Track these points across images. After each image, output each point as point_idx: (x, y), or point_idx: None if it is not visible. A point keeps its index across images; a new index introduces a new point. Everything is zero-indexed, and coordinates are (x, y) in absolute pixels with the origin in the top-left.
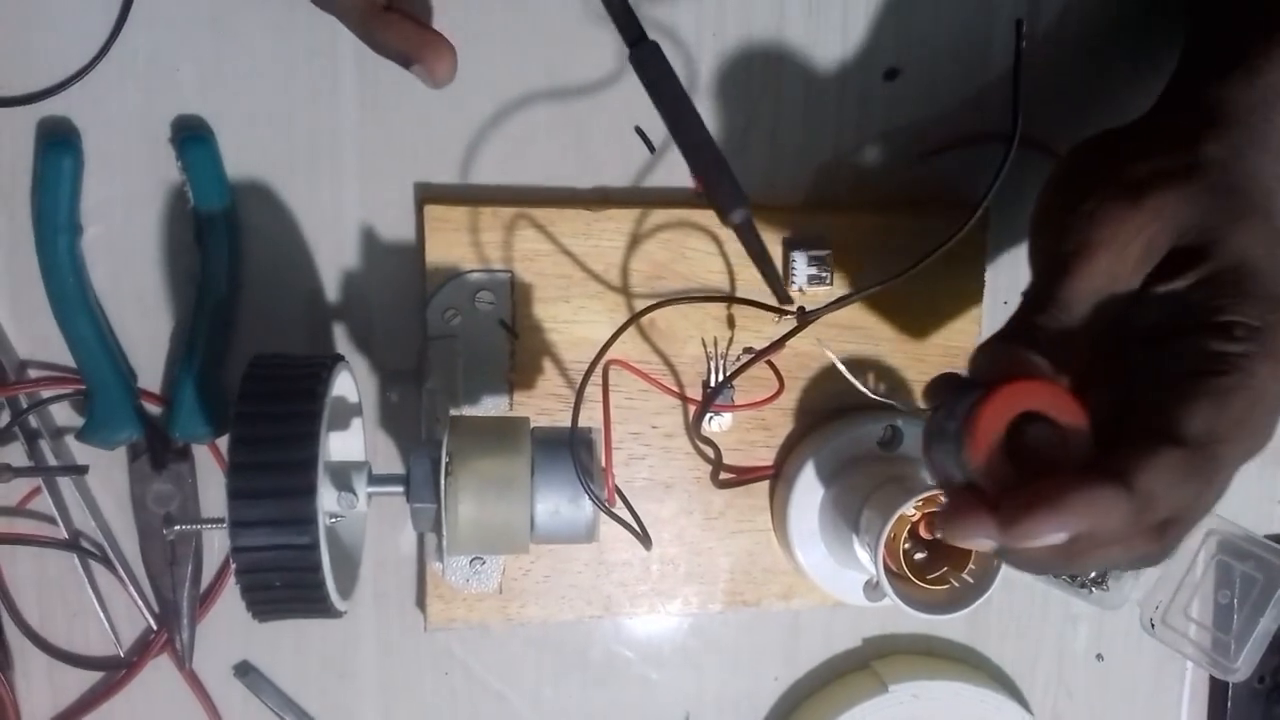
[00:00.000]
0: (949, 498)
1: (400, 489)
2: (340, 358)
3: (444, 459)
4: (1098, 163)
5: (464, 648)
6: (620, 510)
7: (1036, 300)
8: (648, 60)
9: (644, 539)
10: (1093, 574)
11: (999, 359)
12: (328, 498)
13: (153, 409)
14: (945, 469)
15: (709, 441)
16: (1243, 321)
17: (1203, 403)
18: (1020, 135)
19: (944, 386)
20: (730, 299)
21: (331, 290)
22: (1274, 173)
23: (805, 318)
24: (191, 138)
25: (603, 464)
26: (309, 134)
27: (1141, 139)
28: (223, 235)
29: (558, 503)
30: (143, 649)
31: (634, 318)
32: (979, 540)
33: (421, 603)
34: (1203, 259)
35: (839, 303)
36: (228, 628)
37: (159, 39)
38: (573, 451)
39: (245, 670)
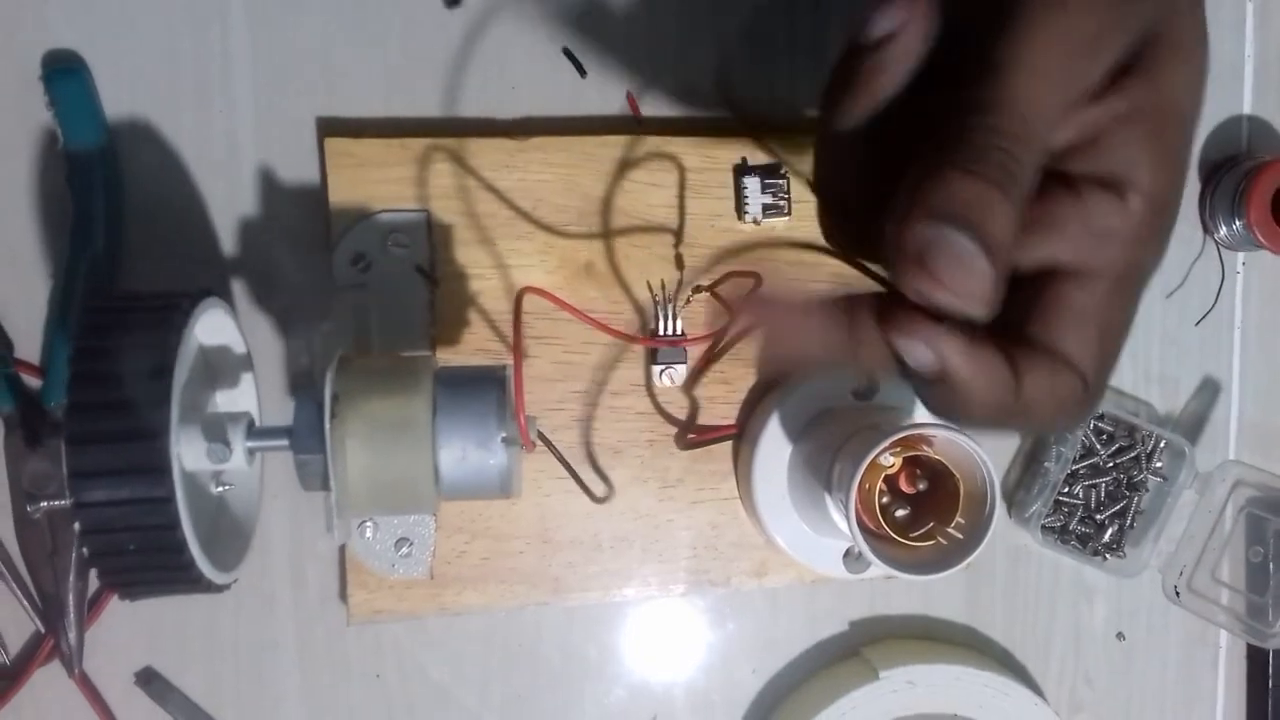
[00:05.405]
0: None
1: (285, 442)
2: (209, 292)
3: (328, 400)
4: None
5: (397, 645)
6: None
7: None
8: None
9: (590, 491)
10: (1107, 537)
11: None
12: (194, 450)
13: (32, 381)
14: None
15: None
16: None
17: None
18: None
19: None
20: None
21: (228, 241)
22: None
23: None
24: (59, 71)
25: (515, 404)
26: (195, 65)
27: None
28: (98, 177)
29: (464, 447)
30: (30, 656)
31: None
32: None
33: (344, 594)
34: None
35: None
36: (128, 629)
37: None
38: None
39: (149, 678)
